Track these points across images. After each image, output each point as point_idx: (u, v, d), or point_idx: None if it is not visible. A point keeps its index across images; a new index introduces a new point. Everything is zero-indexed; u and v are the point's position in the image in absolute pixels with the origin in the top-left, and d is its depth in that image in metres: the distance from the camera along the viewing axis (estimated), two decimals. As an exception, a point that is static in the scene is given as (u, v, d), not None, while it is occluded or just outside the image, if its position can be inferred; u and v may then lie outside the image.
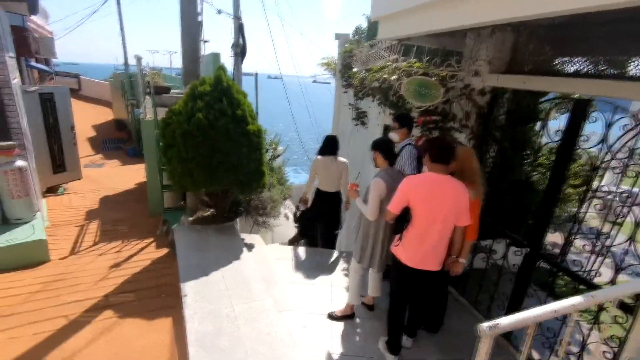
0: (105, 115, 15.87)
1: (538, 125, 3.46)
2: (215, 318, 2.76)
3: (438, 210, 2.40)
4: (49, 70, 9.87)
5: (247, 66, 9.79)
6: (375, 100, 4.66)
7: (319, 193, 4.55)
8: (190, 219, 4.50)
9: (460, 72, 3.52)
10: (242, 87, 9.60)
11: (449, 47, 3.72)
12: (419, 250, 2.51)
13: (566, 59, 2.65)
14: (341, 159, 4.40)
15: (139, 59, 5.08)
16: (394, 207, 2.54)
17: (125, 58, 12.90)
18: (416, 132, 4.10)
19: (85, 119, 14.89)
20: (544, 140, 2.89)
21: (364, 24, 8.93)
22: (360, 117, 5.74)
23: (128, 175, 9.13)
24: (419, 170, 3.33)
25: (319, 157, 4.37)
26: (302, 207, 4.99)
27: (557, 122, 3.16)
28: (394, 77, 3.98)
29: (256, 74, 5.82)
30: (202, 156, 3.63)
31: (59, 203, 6.63)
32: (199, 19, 5.80)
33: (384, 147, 3.00)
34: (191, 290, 3.06)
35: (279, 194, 5.28)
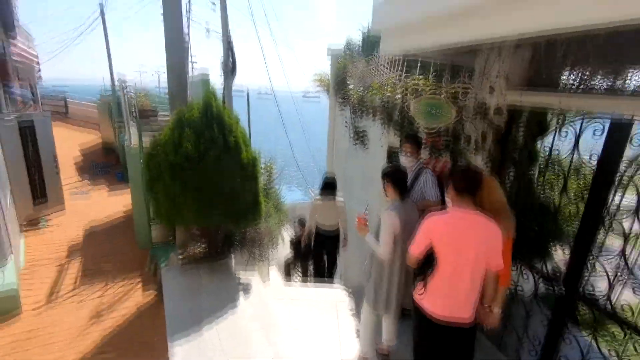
0: (93, 139, 15.43)
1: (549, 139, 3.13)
2: (209, 386, 2.34)
3: (467, 252, 2.05)
4: (29, 96, 9.47)
5: (235, 81, 9.52)
6: (377, 119, 4.35)
7: (318, 232, 4.59)
8: (180, 256, 4.09)
9: (472, 89, 3.22)
10: (232, 105, 9.32)
11: (457, 63, 3.44)
12: (447, 300, 2.15)
13: (601, 74, 2.36)
14: (339, 199, 4.48)
15: (122, 82, 4.74)
16: (416, 249, 2.19)
17: (112, 80, 12.57)
18: (424, 153, 3.79)
19: (73, 143, 14.44)
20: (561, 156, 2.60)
21: (355, 37, 8.71)
22: (360, 137, 5.43)
23: (115, 202, 8.67)
24: (442, 197, 2.99)
25: (319, 198, 4.44)
26: (298, 231, 5.07)
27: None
28: (399, 95, 3.69)
29: (247, 93, 5.51)
30: (192, 190, 3.26)
31: (39, 238, 6.15)
32: (186, 39, 5.52)
33: (395, 177, 2.67)
34: (180, 350, 2.64)
35: (276, 222, 4.90)
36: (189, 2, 8.85)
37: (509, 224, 2.30)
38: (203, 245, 4.27)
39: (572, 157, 2.59)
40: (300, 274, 5.85)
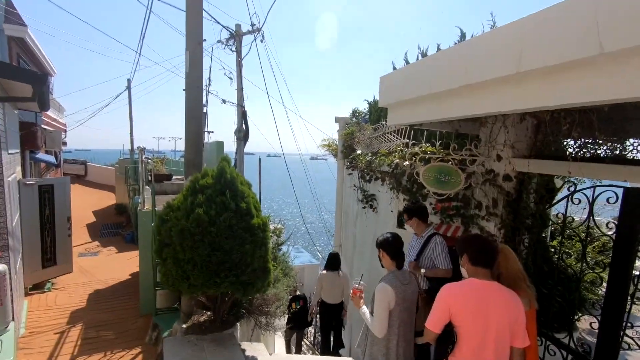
0: (107, 200, 15.81)
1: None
2: None
3: (490, 327, 1.93)
4: (53, 162, 9.96)
5: (246, 146, 9.90)
6: (386, 184, 4.41)
7: (323, 304, 4.89)
8: (184, 326, 3.91)
9: (480, 157, 3.29)
10: (244, 167, 9.58)
11: (463, 131, 3.57)
12: (470, 382, 1.97)
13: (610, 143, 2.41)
14: (343, 273, 4.91)
15: (141, 150, 4.98)
16: (434, 325, 2.07)
17: (132, 145, 13.26)
18: (434, 219, 3.77)
19: (88, 204, 14.79)
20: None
21: (361, 106, 9.23)
22: (369, 201, 5.47)
23: (123, 264, 8.59)
24: (454, 264, 2.91)
25: (325, 272, 4.83)
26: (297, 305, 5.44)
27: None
28: (407, 162, 3.78)
29: (259, 159, 5.71)
30: (201, 256, 3.23)
31: (42, 302, 6.02)
32: (204, 110, 5.90)
33: (390, 246, 2.58)
34: None
35: (284, 289, 4.75)
36: (210, 76, 9.62)
37: (530, 294, 2.20)
38: (208, 313, 4.11)
39: (588, 223, 2.54)
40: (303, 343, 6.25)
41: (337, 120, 8.68)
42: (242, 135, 10.11)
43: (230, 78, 10.09)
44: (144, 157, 5.01)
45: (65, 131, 17.13)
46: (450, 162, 3.27)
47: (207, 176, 3.50)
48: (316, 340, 8.67)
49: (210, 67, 10.69)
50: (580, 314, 3.01)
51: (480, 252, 2.06)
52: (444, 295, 2.05)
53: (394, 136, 4.49)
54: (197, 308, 4.20)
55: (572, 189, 2.65)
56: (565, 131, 2.68)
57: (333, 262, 4.92)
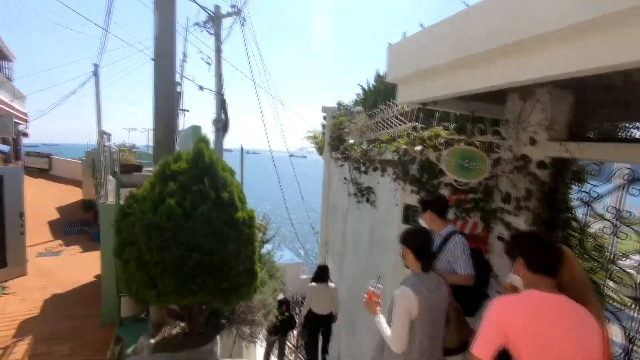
0: (74, 195, 14.65)
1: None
2: None
3: (563, 355, 1.43)
4: (6, 150, 8.93)
5: (225, 142, 9.21)
6: (390, 174, 3.90)
7: (313, 316, 4.79)
8: (153, 340, 3.27)
9: (506, 141, 2.82)
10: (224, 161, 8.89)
11: (480, 114, 3.09)
12: None
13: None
14: (332, 284, 4.82)
15: (102, 133, 4.27)
16: (483, 350, 1.55)
17: (100, 137, 12.24)
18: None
19: (51, 200, 13.62)
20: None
21: (345, 99, 8.72)
22: (365, 194, 4.95)
23: (87, 265, 7.73)
24: (477, 269, 2.42)
25: (314, 284, 4.72)
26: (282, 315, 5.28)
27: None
28: (417, 147, 3.28)
29: (242, 148, 5.09)
30: (172, 257, 2.61)
31: (-12, 310, 5.19)
32: (178, 88, 5.21)
33: (416, 242, 2.09)
34: None
35: (270, 293, 4.17)
36: (184, 58, 8.86)
37: (599, 309, 1.72)
38: (182, 325, 3.48)
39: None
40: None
41: (324, 110, 8.14)
42: (222, 125, 9.43)
43: (209, 63, 9.35)
44: (107, 143, 4.28)
45: (26, 121, 15.80)
46: (478, 146, 2.78)
47: (180, 160, 2.88)
48: (299, 343, 8.18)
49: (184, 53, 9.75)
50: None
51: (543, 255, 1.57)
52: (498, 311, 1.54)
53: (396, 121, 3.98)
54: (168, 318, 3.56)
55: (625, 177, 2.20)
56: (615, 106, 2.24)
57: (322, 274, 4.90)
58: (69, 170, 17.01)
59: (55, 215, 12.34)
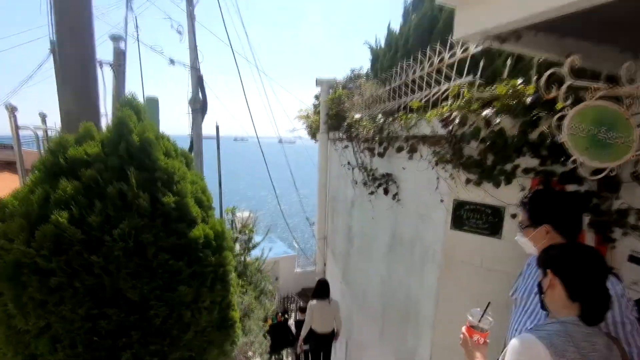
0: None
1: None
2: None
3: None
4: None
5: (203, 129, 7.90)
6: (425, 157, 2.71)
7: (313, 334, 4.63)
8: None
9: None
10: (202, 150, 7.65)
11: (590, 63, 1.88)
12: None
13: None
14: (333, 300, 4.70)
15: (11, 108, 2.95)
16: None
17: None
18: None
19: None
20: None
21: (340, 76, 7.43)
22: (381, 183, 3.77)
23: None
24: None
25: (314, 302, 4.57)
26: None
27: None
28: (486, 112, 2.08)
29: (217, 126, 3.85)
30: (70, 321, 1.39)
31: None
32: (121, 44, 3.84)
33: (572, 272, 1.14)
34: None
35: (259, 327, 2.99)
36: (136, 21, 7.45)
37: None
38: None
39: None
40: None
41: (319, 82, 6.88)
42: (199, 106, 8.12)
43: (180, 32, 7.90)
44: (16, 122, 2.97)
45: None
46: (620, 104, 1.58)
47: (87, 139, 1.61)
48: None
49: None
50: None
51: None
52: None
53: (432, 79, 2.75)
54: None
55: None
56: None
57: (322, 290, 4.70)
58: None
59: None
